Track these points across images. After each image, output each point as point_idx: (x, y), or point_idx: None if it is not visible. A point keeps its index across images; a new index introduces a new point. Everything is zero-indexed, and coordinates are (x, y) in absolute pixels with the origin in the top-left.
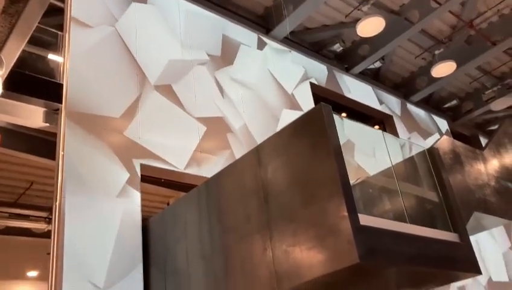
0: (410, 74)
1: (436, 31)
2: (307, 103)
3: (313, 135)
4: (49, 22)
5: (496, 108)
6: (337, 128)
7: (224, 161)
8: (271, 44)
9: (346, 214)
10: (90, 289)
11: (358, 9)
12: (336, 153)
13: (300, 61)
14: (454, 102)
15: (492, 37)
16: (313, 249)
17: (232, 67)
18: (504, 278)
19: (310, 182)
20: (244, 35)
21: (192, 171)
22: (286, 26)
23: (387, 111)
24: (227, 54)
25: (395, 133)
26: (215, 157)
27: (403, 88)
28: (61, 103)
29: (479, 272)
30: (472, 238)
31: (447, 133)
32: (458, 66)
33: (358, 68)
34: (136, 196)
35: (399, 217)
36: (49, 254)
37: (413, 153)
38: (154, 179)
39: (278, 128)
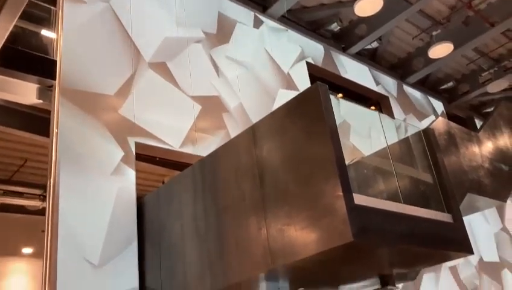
0: (407, 55)
1: (434, 12)
2: (303, 82)
3: (309, 114)
4: None
5: (492, 90)
6: (333, 108)
7: (220, 140)
8: (267, 22)
9: (341, 193)
10: (85, 266)
11: None
12: (331, 133)
13: (297, 41)
14: (450, 84)
15: (490, 18)
16: (307, 228)
17: (228, 45)
18: (495, 258)
19: (305, 161)
20: (240, 13)
21: (188, 150)
22: (283, 5)
23: (383, 92)
24: (223, 32)
25: (391, 114)
26: (210, 136)
27: (399, 69)
28: (54, 79)
29: (471, 252)
30: (465, 219)
31: (442, 114)
32: (455, 47)
33: (355, 48)
34: (130, 174)
35: (393, 197)
36: (43, 231)
37: (409, 134)
38: (149, 158)
39: (274, 108)
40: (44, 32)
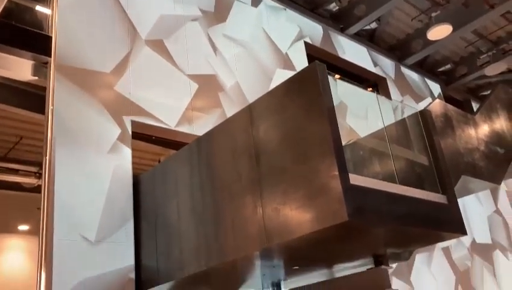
0: (406, 36)
1: None
2: (301, 62)
3: (306, 93)
4: None
5: (489, 73)
6: (330, 88)
7: (216, 119)
8: (266, 1)
9: (336, 173)
10: (81, 243)
11: None
12: (329, 112)
13: (295, 20)
14: (448, 66)
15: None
16: (302, 207)
17: (225, 24)
18: (487, 240)
19: (301, 141)
20: None
21: (184, 129)
22: None
23: (381, 73)
24: (220, 10)
25: (388, 96)
26: (206, 115)
27: (397, 50)
28: (50, 56)
29: (464, 233)
30: (459, 201)
31: (439, 97)
32: (454, 29)
33: (354, 29)
34: (127, 152)
35: (389, 178)
36: (39, 208)
37: (406, 116)
38: (145, 136)
39: (271, 88)
40: (39, 8)
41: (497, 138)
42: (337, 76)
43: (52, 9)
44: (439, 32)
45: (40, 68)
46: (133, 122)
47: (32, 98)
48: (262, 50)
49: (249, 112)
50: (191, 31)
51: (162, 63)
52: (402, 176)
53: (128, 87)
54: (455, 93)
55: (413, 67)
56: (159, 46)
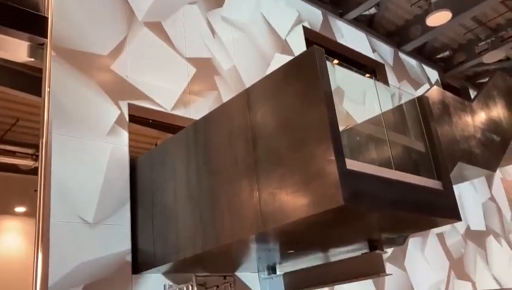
0: (405, 22)
1: None
2: (300, 47)
3: (304, 78)
4: None
5: (488, 60)
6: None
7: (212, 103)
8: None
9: (333, 157)
10: (78, 224)
11: None
12: (326, 97)
13: (294, 4)
14: (446, 53)
15: None
16: (299, 191)
17: (223, 7)
18: (481, 227)
19: (298, 125)
20: None
21: (180, 112)
22: None
23: (379, 59)
24: None
25: (386, 82)
26: (203, 99)
27: (396, 36)
28: (46, 37)
29: (459, 219)
30: (454, 187)
31: (437, 84)
32: (454, 15)
33: (353, 14)
34: (123, 135)
35: (385, 164)
36: (36, 190)
37: (403, 102)
38: (142, 120)
39: (268, 72)
40: None
41: (493, 126)
42: (335, 61)
43: None
44: (439, 18)
45: (36, 49)
46: (130, 105)
47: (29, 79)
48: (260, 34)
49: (247, 96)
50: (189, 13)
51: (160, 46)
52: (398, 162)
53: (126, 70)
54: (453, 81)
55: (412, 53)
56: (157, 28)
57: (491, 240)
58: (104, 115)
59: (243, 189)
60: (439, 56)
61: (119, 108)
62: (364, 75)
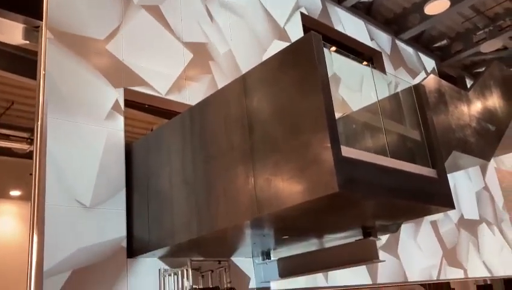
0: (403, 10)
1: None
2: (297, 34)
3: (301, 64)
4: None
5: (485, 50)
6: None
7: (206, 88)
8: None
9: (328, 144)
10: (73, 208)
11: None
12: (323, 84)
13: None
14: (444, 42)
15: None
16: (294, 178)
17: None
18: (475, 216)
19: (295, 111)
20: None
21: (174, 97)
22: None
23: (376, 47)
24: None
25: (383, 70)
26: (197, 83)
27: (394, 24)
28: (41, 19)
29: (452, 207)
30: (449, 176)
31: (433, 72)
32: (452, 4)
33: (351, 1)
34: (119, 120)
35: (380, 152)
36: (31, 174)
37: (399, 90)
38: (137, 104)
39: (264, 58)
40: None
41: (489, 115)
42: (332, 48)
43: None
44: (437, 6)
45: (32, 32)
46: (126, 90)
47: (24, 62)
48: (257, 20)
49: (243, 82)
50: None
51: (157, 29)
52: (393, 149)
53: (122, 54)
54: (450, 70)
55: (409, 42)
56: (154, 11)
57: (483, 228)
58: (100, 99)
59: (238, 175)
60: (436, 45)
61: (115, 92)
62: (361, 62)
